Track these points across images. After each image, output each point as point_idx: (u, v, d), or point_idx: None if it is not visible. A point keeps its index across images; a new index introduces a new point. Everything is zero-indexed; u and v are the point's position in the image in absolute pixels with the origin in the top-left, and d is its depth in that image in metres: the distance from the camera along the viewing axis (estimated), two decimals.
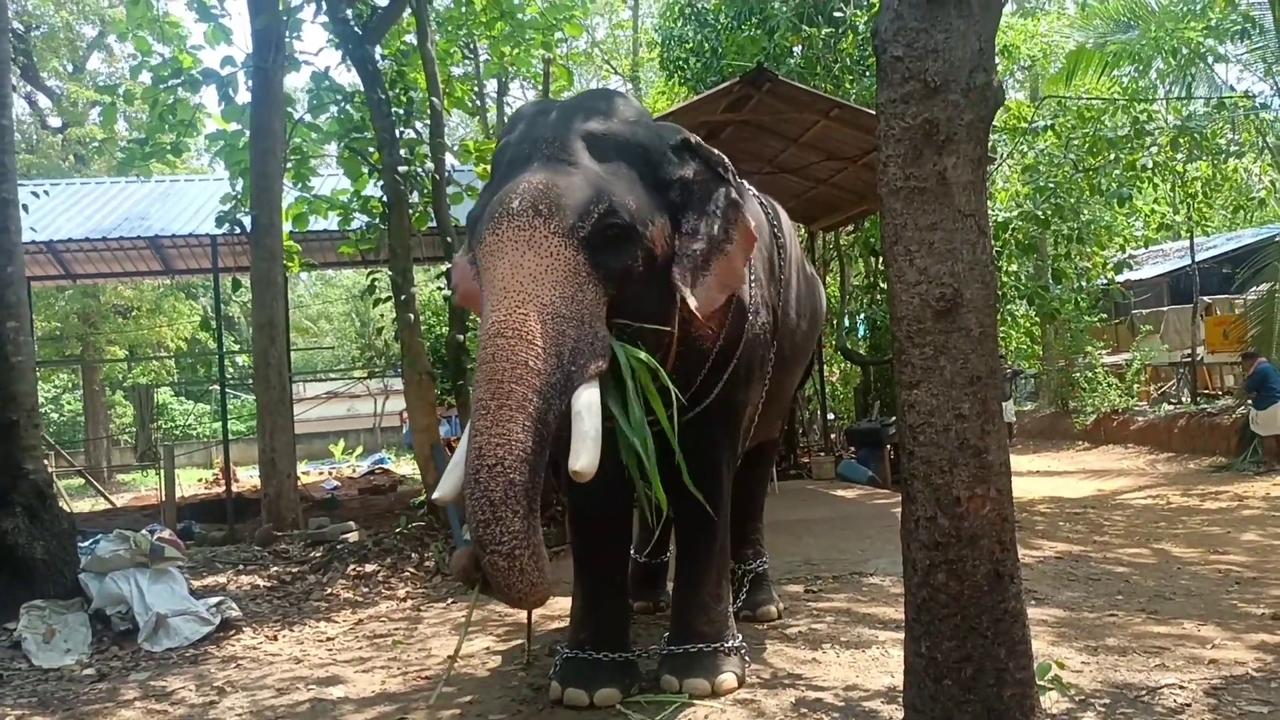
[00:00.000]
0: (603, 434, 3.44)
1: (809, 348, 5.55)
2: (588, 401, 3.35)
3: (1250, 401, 12.29)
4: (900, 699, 3.27)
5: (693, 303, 3.72)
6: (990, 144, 9.15)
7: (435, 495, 3.81)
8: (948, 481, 2.90)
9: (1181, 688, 3.92)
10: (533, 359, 3.25)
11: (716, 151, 4.07)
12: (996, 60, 3.44)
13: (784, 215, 5.24)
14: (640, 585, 5.59)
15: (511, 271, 3.38)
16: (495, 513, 3.10)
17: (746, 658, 4.40)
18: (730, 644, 4.27)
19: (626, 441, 3.54)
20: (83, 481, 16.07)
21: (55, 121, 25.28)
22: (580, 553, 4.44)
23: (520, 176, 3.59)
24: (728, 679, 4.12)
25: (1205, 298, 17.22)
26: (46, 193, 12.02)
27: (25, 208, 6.84)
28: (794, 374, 5.39)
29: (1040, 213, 11.34)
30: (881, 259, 12.31)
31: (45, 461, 6.68)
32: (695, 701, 4.00)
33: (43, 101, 25.21)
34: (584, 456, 3.23)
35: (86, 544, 6.34)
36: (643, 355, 3.60)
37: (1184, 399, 16.53)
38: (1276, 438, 11.86)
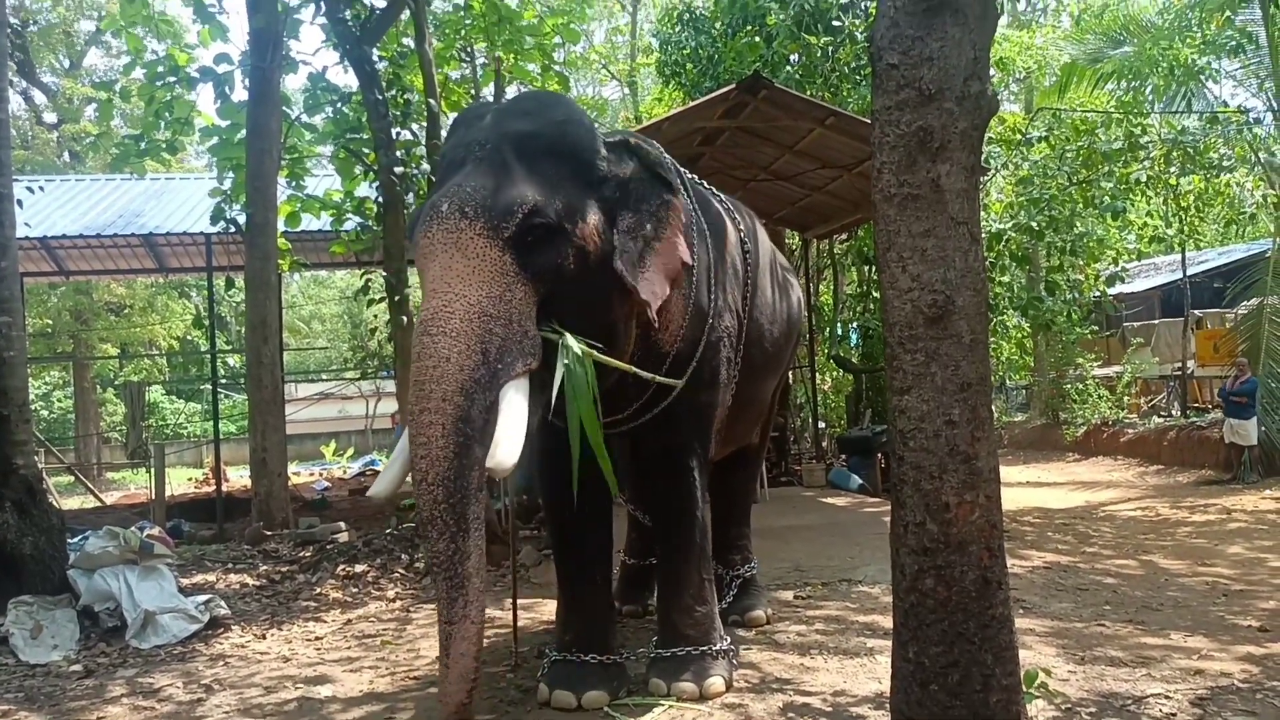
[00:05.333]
0: (564, 432, 3.55)
1: (783, 355, 5.52)
2: (511, 399, 3.36)
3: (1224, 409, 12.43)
4: (887, 704, 3.28)
5: (641, 292, 3.73)
6: (984, 155, 9.21)
7: (370, 492, 3.86)
8: (937, 487, 2.92)
9: (1167, 697, 3.94)
10: (455, 354, 3.31)
11: (657, 153, 4.04)
12: (991, 71, 3.46)
13: (751, 219, 5.24)
14: (629, 588, 5.62)
15: (441, 273, 3.44)
16: (425, 531, 3.30)
17: (735, 661, 4.41)
18: (718, 647, 4.28)
19: (574, 427, 3.53)
20: (72, 479, 16.02)
21: (51, 118, 25.22)
22: (560, 553, 4.47)
23: (452, 180, 3.65)
24: (715, 682, 4.13)
25: (1196, 311, 17.29)
26: (41, 188, 12.04)
27: (20, 203, 6.82)
28: (767, 380, 5.34)
29: (1034, 224, 11.38)
30: (875, 267, 12.39)
31: (35, 458, 6.65)
32: (683, 705, 4.01)
33: (39, 98, 25.16)
34: (499, 453, 3.23)
35: (75, 540, 6.32)
36: (581, 348, 3.57)
37: (1174, 412, 16.59)
38: (1250, 449, 11.99)
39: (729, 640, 4.43)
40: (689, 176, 4.68)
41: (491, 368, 3.35)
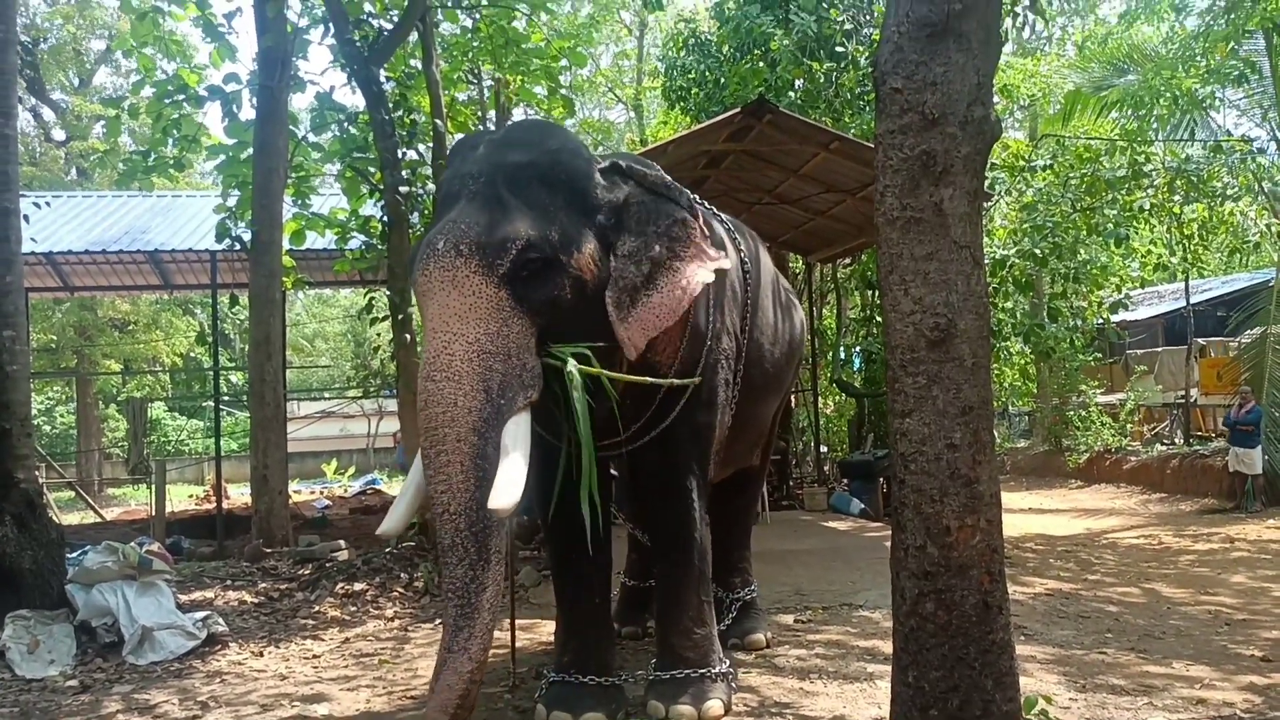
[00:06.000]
0: (561, 455, 3.59)
1: (784, 377, 5.51)
2: (514, 436, 3.40)
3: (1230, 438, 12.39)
4: None
5: (621, 332, 3.73)
6: (988, 181, 9.22)
7: (380, 530, 3.87)
8: (938, 511, 2.91)
9: None
10: (461, 398, 3.37)
11: (655, 173, 4.05)
12: (996, 98, 3.48)
13: (754, 241, 5.26)
14: (628, 609, 5.60)
15: (439, 311, 3.49)
16: (444, 558, 3.31)
17: (734, 684, 4.39)
18: (717, 669, 4.25)
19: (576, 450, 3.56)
20: (73, 494, 15.99)
21: (59, 135, 25.36)
22: (558, 575, 4.47)
23: (448, 215, 3.67)
24: (714, 705, 4.11)
25: (1200, 340, 17.27)
26: (48, 204, 12.06)
27: (26, 218, 6.85)
28: (767, 402, 5.34)
29: (1038, 251, 11.39)
30: (877, 291, 12.41)
31: (36, 472, 6.64)
32: None
33: (47, 115, 25.31)
34: (500, 494, 3.24)
35: (75, 555, 6.30)
36: (577, 371, 3.59)
37: (1177, 440, 16.54)
38: (1254, 478, 11.98)
39: (728, 663, 4.41)
40: (690, 198, 4.69)
41: (495, 404, 3.41)
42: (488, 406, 3.38)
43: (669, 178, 4.08)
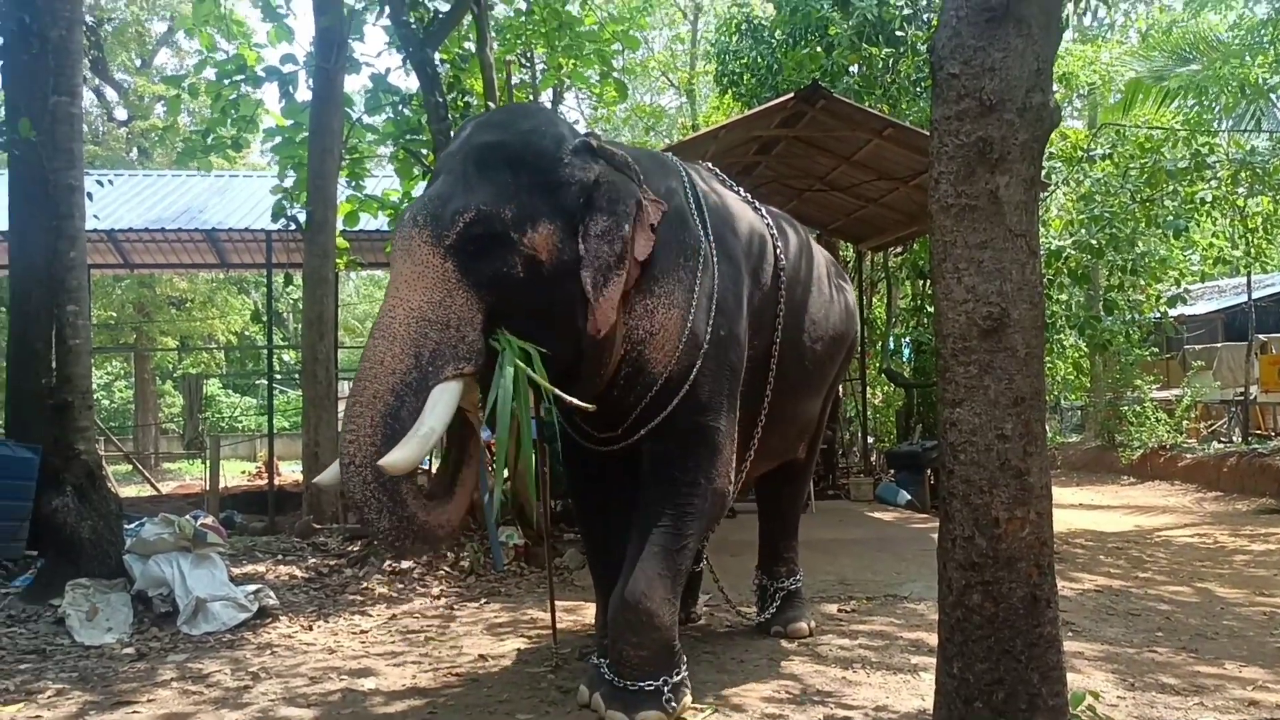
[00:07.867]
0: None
1: (828, 371, 5.34)
2: (434, 402, 3.45)
3: None
4: None
5: (596, 311, 3.69)
6: (1045, 170, 9.04)
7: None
8: (987, 502, 2.88)
9: None
10: (389, 358, 3.46)
11: (620, 152, 3.98)
12: (1055, 86, 3.42)
13: (803, 234, 5.12)
14: None
15: (395, 277, 3.63)
16: (362, 514, 3.47)
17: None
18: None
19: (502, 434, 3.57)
20: (130, 468, 16.36)
21: (121, 114, 25.87)
22: (593, 560, 4.54)
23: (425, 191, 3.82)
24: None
25: (1261, 335, 16.88)
26: (110, 182, 12.27)
27: (90, 196, 6.99)
28: (806, 397, 5.17)
29: (1095, 242, 11.19)
30: (929, 281, 12.29)
31: (96, 445, 6.80)
32: (729, 712, 3.99)
33: (110, 94, 25.83)
34: (399, 451, 3.31)
35: (132, 526, 6.45)
36: (517, 360, 3.60)
37: (1235, 438, 16.20)
38: None
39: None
40: (706, 195, 4.42)
41: (423, 370, 3.47)
42: (414, 371, 3.46)
43: (631, 159, 4.02)
